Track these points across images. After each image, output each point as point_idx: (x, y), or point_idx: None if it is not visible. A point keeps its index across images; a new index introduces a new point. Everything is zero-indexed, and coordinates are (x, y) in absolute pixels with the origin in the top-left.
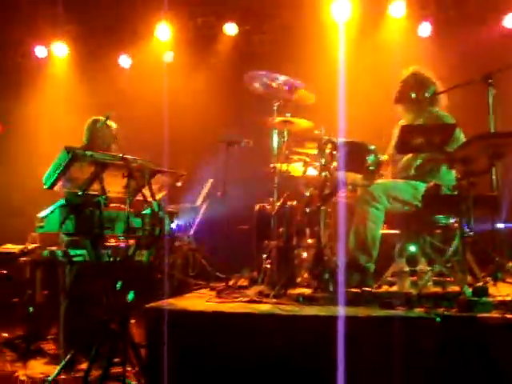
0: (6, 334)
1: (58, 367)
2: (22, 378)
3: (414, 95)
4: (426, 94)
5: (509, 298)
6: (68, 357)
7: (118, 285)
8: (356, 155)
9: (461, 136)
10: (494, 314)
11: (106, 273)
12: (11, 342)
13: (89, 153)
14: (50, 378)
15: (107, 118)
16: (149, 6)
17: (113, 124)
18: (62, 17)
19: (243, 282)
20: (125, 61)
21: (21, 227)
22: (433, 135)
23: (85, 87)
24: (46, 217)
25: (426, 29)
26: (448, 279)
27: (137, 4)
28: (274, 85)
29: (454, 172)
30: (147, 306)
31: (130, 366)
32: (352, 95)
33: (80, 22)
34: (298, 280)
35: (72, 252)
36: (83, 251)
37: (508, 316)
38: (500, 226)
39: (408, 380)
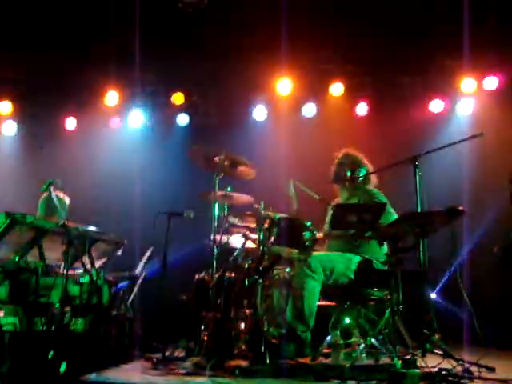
0: None
1: None
2: None
3: (347, 175)
4: (359, 173)
5: (435, 370)
6: None
7: (50, 355)
8: (293, 231)
9: (391, 210)
10: None
11: (38, 342)
12: None
13: (29, 218)
14: None
15: (49, 184)
16: (98, 71)
17: (66, 199)
18: (7, 74)
19: (180, 353)
20: (71, 124)
21: None
22: (364, 213)
23: (28, 151)
24: None
25: (362, 108)
26: (380, 351)
27: (88, 68)
28: (216, 159)
29: (385, 247)
30: (81, 378)
31: None
32: (291, 171)
33: (26, 80)
34: (235, 351)
35: (2, 320)
36: (15, 319)
37: None
38: (433, 296)
39: None
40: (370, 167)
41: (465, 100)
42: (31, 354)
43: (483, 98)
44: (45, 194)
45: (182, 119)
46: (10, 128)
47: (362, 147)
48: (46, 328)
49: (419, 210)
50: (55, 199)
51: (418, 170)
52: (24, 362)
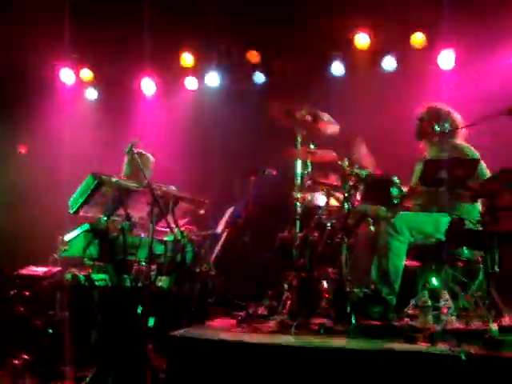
0: (26, 357)
1: None
2: None
3: (433, 130)
4: (446, 127)
5: None
6: (87, 379)
7: (139, 310)
8: (380, 188)
9: (485, 170)
10: None
11: (127, 298)
12: (31, 365)
13: (114, 179)
14: None
15: (132, 146)
16: (174, 32)
17: (150, 157)
18: (87, 40)
19: (263, 311)
20: (148, 86)
21: (41, 248)
22: (456, 169)
23: (109, 113)
24: (70, 241)
25: (448, 60)
26: (471, 314)
27: (163, 30)
28: (297, 115)
29: (478, 206)
30: (171, 333)
31: None
32: (376, 127)
33: (104, 47)
34: (319, 311)
35: (95, 276)
36: (105, 276)
37: None
38: None
39: None
40: (459, 121)
41: None
42: (121, 309)
43: None
44: (128, 156)
45: (258, 78)
46: (91, 94)
47: (449, 101)
48: (134, 285)
49: None
50: (138, 160)
51: None
52: (114, 315)
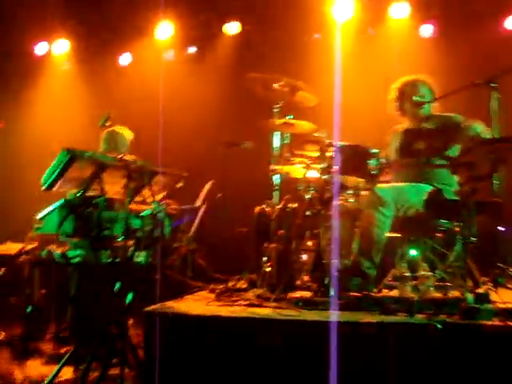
0: (3, 333)
1: (56, 368)
2: (20, 377)
3: (412, 100)
4: (424, 97)
5: (511, 305)
6: (65, 357)
7: (117, 286)
8: (358, 159)
9: (480, 128)
10: (496, 322)
11: (104, 274)
12: (9, 342)
13: (88, 153)
14: (46, 381)
15: (106, 119)
16: (150, 3)
17: (127, 132)
18: (62, 13)
19: (242, 285)
20: (125, 59)
21: (21, 225)
22: (434, 140)
23: (85, 86)
24: (44, 218)
25: (428, 30)
26: (449, 284)
27: (138, 2)
28: (274, 86)
29: (456, 177)
30: (146, 308)
31: (128, 368)
32: (354, 97)
33: (81, 19)
34: (298, 283)
35: (70, 253)
36: (81, 252)
37: (511, 324)
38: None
39: None
40: (436, 91)
41: None
42: (98, 285)
43: None
44: (105, 130)
45: (236, 49)
46: (67, 66)
47: (429, 72)
48: (111, 260)
49: (496, 136)
50: (113, 133)
51: (494, 93)
52: (91, 292)
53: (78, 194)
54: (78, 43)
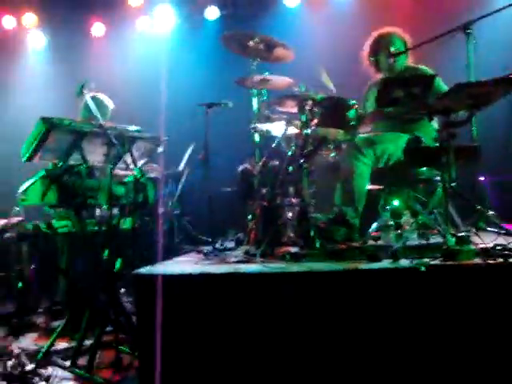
0: None
1: (51, 338)
2: (16, 351)
3: (389, 51)
4: (400, 49)
5: (490, 245)
6: (60, 327)
7: (105, 254)
8: (337, 110)
9: (443, 87)
10: (477, 261)
11: (91, 242)
12: (2, 318)
13: (66, 121)
14: (43, 350)
15: (82, 86)
16: None
17: (106, 99)
18: None
19: (229, 244)
20: (98, 29)
21: (3, 202)
22: (412, 87)
23: (58, 59)
24: (26, 190)
25: None
26: (431, 230)
27: None
28: (250, 44)
29: (435, 124)
30: (135, 271)
31: (123, 333)
32: (330, 51)
33: None
34: (284, 239)
35: (56, 223)
36: (68, 222)
37: (490, 262)
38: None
39: (396, 329)
40: (411, 41)
41: None
42: (86, 254)
43: None
44: (84, 97)
45: (212, 12)
46: (38, 38)
47: (401, 23)
48: (97, 229)
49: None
50: (91, 101)
51: (470, 39)
52: (80, 261)
53: (58, 164)
54: (46, 15)
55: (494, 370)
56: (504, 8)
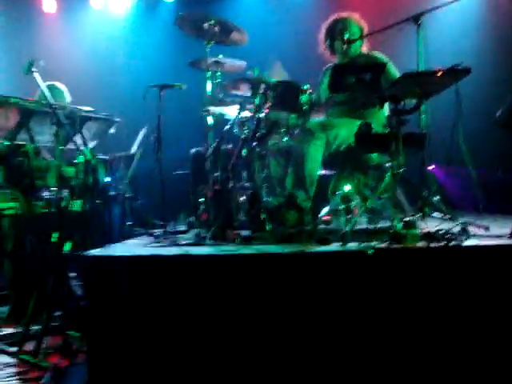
0: None
1: None
2: None
3: (343, 37)
4: (354, 36)
5: (434, 230)
6: (6, 313)
7: (54, 236)
8: (289, 94)
9: (396, 74)
10: (421, 245)
11: (40, 225)
12: None
13: (12, 99)
14: None
15: (31, 64)
16: None
17: (60, 85)
18: None
19: (181, 227)
20: (49, 5)
21: None
22: (363, 73)
23: (5, 33)
24: None
25: None
26: (379, 215)
27: None
28: (205, 26)
29: (385, 110)
30: (84, 253)
31: (71, 318)
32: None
33: None
34: (235, 223)
35: (2, 205)
36: (15, 204)
37: (432, 245)
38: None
39: (343, 310)
40: (366, 29)
41: None
42: (34, 236)
43: None
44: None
45: None
46: None
47: (355, 10)
48: (46, 211)
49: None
50: (46, 89)
51: (420, 29)
52: (27, 244)
53: (5, 143)
54: None
55: (436, 350)
56: (455, 1)
